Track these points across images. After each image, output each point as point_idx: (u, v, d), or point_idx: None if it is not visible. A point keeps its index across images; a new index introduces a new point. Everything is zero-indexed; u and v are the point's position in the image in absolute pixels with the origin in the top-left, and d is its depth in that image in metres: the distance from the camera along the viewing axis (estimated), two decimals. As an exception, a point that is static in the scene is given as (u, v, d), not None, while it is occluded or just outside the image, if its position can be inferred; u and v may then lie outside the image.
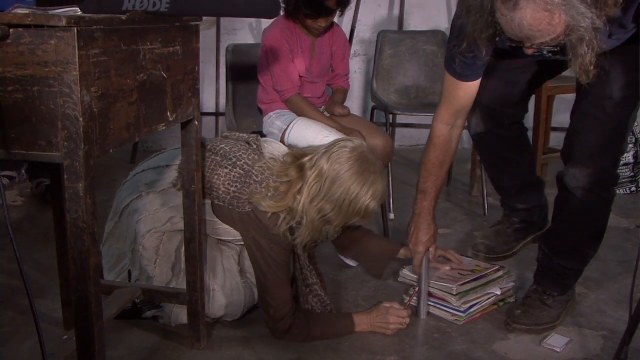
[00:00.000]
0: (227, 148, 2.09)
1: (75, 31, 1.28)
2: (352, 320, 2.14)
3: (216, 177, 2.02)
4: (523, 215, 2.37)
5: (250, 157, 2.05)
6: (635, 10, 1.70)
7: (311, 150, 2.00)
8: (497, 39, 1.65)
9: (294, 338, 2.07)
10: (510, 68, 2.01)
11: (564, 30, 1.53)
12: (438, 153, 2.17)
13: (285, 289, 2.03)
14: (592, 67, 1.61)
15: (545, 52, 1.65)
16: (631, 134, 3.81)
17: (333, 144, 1.96)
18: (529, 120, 4.59)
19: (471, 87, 2.05)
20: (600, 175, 2.04)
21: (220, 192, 2.01)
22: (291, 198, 1.94)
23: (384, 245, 2.41)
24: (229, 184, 2.01)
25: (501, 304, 2.38)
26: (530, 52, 1.66)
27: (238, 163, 2.03)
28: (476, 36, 1.68)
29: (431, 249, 2.28)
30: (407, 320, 2.17)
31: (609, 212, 2.19)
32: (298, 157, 2.00)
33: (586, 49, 1.57)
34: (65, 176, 1.34)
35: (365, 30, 4.67)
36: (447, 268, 2.37)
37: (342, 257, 2.66)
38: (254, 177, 1.99)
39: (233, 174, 2.01)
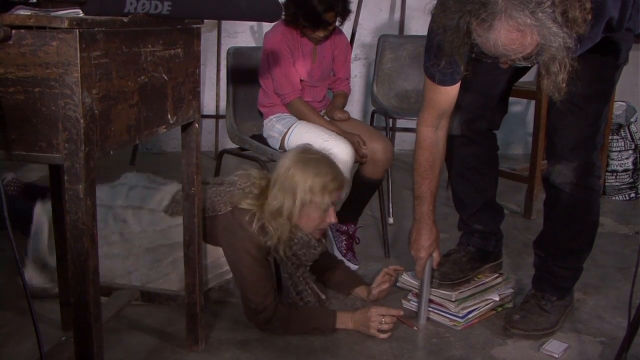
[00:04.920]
0: (215, 178, 2.34)
1: (77, 33, 1.28)
2: (335, 316, 2.16)
3: (205, 196, 2.19)
4: (479, 242, 2.40)
5: (235, 174, 2.26)
6: (604, 25, 1.76)
7: None
8: (473, 55, 1.71)
9: (273, 330, 2.13)
10: (489, 69, 2.05)
11: (535, 48, 1.60)
12: (427, 155, 2.19)
13: (263, 283, 2.10)
14: (564, 85, 1.68)
15: (519, 65, 1.73)
16: (630, 140, 3.82)
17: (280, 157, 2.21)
18: (529, 125, 4.61)
19: (452, 91, 2.08)
20: (584, 167, 2.12)
21: (206, 205, 2.17)
22: (264, 199, 2.13)
23: (349, 277, 2.51)
24: (214, 196, 2.19)
25: (499, 309, 2.38)
26: (505, 66, 1.75)
27: (225, 181, 2.26)
28: (453, 53, 1.74)
29: (434, 254, 2.27)
30: (388, 320, 2.16)
31: (598, 206, 2.22)
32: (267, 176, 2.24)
33: (558, 66, 1.64)
34: (66, 177, 1.34)
35: (366, 34, 4.68)
36: (384, 288, 2.39)
37: (342, 259, 2.67)
38: (238, 185, 2.20)
39: (219, 189, 2.21)
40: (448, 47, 1.73)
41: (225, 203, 2.16)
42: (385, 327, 2.16)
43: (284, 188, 2.08)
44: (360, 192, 2.78)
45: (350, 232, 2.78)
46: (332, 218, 2.17)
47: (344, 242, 2.75)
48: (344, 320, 2.17)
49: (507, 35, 1.57)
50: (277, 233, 2.11)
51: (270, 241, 2.11)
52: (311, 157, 2.12)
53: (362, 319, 2.16)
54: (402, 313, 2.22)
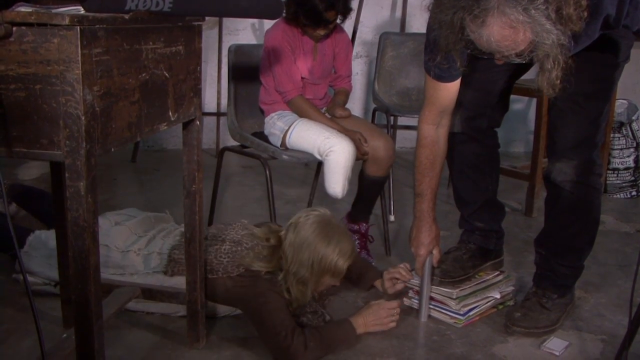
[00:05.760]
0: (214, 231, 2.29)
1: (78, 30, 1.28)
2: (352, 324, 2.13)
3: (206, 254, 2.14)
4: (480, 240, 2.40)
5: (238, 232, 2.25)
6: (601, 22, 1.76)
7: (284, 226, 2.22)
8: (468, 51, 1.72)
9: (315, 353, 2.00)
10: (488, 66, 2.06)
11: (529, 45, 1.61)
12: (427, 153, 2.19)
13: (289, 315, 2.05)
14: (558, 82, 1.68)
15: (514, 62, 1.72)
16: (632, 138, 3.82)
17: (298, 216, 2.17)
18: (531, 123, 4.61)
19: (452, 87, 2.09)
20: (585, 165, 2.12)
21: (214, 265, 2.14)
22: (276, 260, 2.14)
23: (368, 270, 2.50)
24: (220, 256, 2.16)
25: (500, 307, 2.38)
26: (500, 62, 1.74)
27: (227, 238, 2.22)
28: (449, 48, 1.75)
29: (434, 252, 2.27)
30: (398, 311, 2.21)
31: (599, 204, 2.23)
32: (275, 230, 2.23)
33: (552, 63, 1.64)
34: (67, 175, 1.34)
35: (367, 31, 4.68)
36: (400, 287, 2.39)
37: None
38: (244, 245, 2.19)
39: (223, 247, 2.18)
40: (443, 43, 1.73)
41: (237, 265, 2.13)
42: (395, 317, 2.20)
43: (310, 260, 2.09)
44: (366, 191, 2.78)
45: (363, 231, 2.78)
46: (338, 283, 2.23)
47: (358, 242, 2.75)
48: (358, 326, 2.13)
49: (500, 32, 1.58)
50: (298, 297, 2.12)
51: (293, 302, 2.13)
52: (333, 232, 2.12)
53: (375, 320, 2.16)
54: (400, 303, 2.28)
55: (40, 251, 2.32)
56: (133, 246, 2.28)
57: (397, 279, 2.40)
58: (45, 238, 2.35)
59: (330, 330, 2.09)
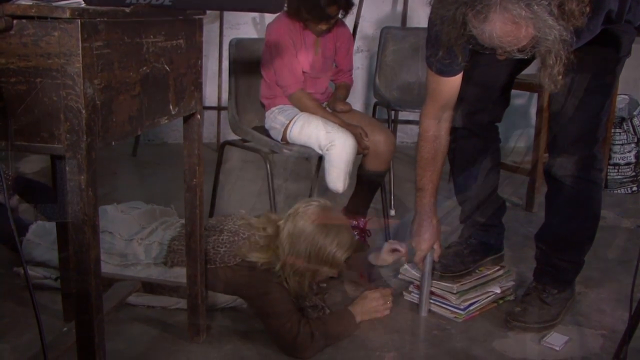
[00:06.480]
0: (213, 222, 2.30)
1: (79, 23, 1.27)
2: (352, 313, 2.15)
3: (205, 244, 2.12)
4: (480, 235, 2.41)
5: (235, 222, 2.25)
6: (603, 17, 1.75)
7: (283, 216, 2.19)
8: (470, 46, 1.72)
9: (320, 343, 2.02)
10: (489, 61, 2.05)
11: (531, 41, 1.61)
12: (429, 147, 2.19)
13: (292, 306, 2.05)
14: (560, 77, 1.68)
15: (516, 58, 1.72)
16: (633, 133, 3.82)
17: (297, 206, 2.16)
18: (532, 118, 4.60)
19: (454, 82, 2.08)
20: (585, 160, 2.12)
21: (211, 255, 2.13)
22: (272, 251, 2.12)
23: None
24: (218, 246, 2.16)
25: (501, 301, 2.38)
26: (502, 58, 1.74)
27: (224, 229, 2.21)
28: (451, 44, 1.75)
29: (435, 246, 2.27)
30: (391, 298, 2.27)
31: (600, 199, 2.23)
32: (274, 219, 2.20)
33: (554, 59, 1.64)
34: (67, 168, 1.34)
35: (369, 26, 4.67)
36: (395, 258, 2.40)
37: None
38: (241, 235, 2.17)
39: (221, 238, 2.18)
40: (445, 38, 1.73)
41: (234, 255, 2.12)
42: (389, 305, 2.24)
43: (308, 251, 2.08)
44: (365, 185, 2.79)
45: (362, 227, 2.78)
46: (336, 274, 2.22)
47: (357, 237, 2.75)
48: (357, 314, 2.16)
49: (502, 27, 1.57)
50: (295, 288, 2.11)
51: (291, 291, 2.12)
52: (332, 223, 2.11)
53: (372, 308, 2.20)
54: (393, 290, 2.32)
55: (45, 238, 2.32)
56: (136, 236, 2.28)
57: (397, 250, 2.38)
58: (49, 227, 2.35)
59: (333, 320, 2.11)
